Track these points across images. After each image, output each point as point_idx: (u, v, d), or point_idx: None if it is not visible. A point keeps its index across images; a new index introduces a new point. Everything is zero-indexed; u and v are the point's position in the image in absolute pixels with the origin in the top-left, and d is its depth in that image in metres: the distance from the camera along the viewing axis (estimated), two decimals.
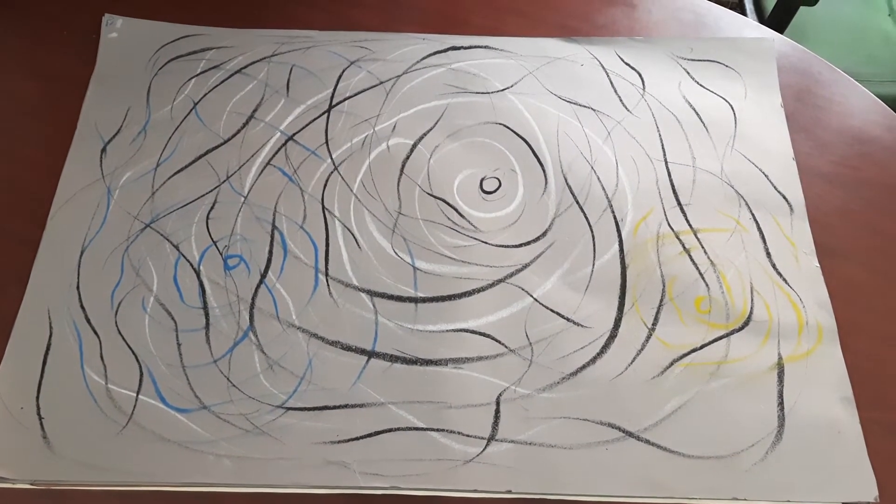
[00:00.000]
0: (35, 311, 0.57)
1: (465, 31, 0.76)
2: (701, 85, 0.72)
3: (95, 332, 0.56)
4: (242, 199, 0.63)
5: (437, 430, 0.54)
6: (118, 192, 0.63)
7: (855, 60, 1.13)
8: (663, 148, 0.68)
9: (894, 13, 1.20)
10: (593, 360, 0.57)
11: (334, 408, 0.54)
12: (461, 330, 0.58)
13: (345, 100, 0.70)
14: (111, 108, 0.68)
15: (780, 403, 0.55)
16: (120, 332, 0.56)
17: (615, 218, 0.64)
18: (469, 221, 0.63)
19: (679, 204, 0.65)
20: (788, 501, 0.52)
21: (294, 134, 0.67)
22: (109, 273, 0.59)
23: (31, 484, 0.51)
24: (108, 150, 0.65)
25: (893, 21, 1.19)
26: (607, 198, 0.65)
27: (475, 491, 0.52)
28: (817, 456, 0.53)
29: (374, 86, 0.71)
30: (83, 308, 0.57)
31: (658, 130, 0.69)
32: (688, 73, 0.73)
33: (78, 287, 0.58)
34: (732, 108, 0.71)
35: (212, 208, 0.63)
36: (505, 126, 0.69)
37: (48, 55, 0.72)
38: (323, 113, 0.69)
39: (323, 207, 0.63)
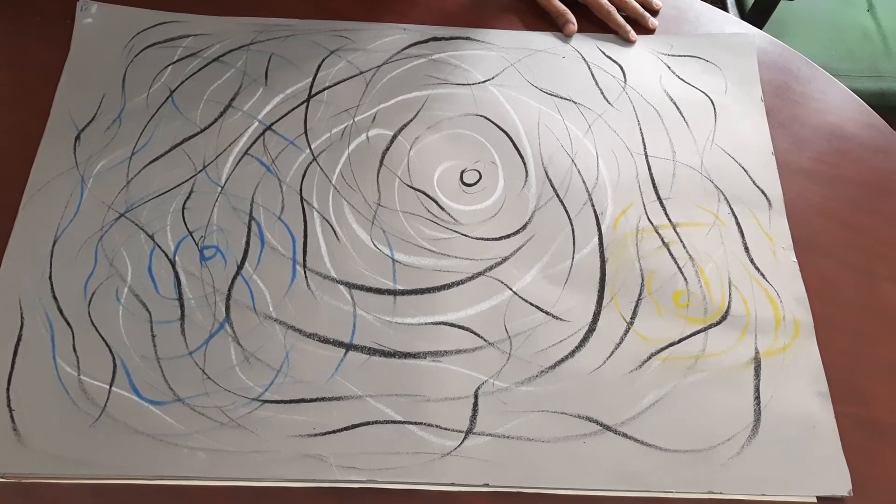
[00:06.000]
0: (6, 302, 0.56)
1: (446, 21, 0.75)
2: (682, 79, 0.73)
3: (68, 323, 0.55)
4: (219, 189, 0.63)
5: (415, 423, 0.53)
6: (92, 180, 0.62)
7: (833, 55, 1.14)
8: (644, 141, 0.68)
9: (873, 8, 1.21)
10: (572, 353, 0.57)
11: (311, 401, 0.54)
12: (440, 323, 0.57)
13: (324, 89, 0.69)
14: (85, 95, 0.67)
15: (757, 398, 0.56)
16: (93, 323, 0.56)
17: (595, 211, 0.64)
18: (449, 214, 0.63)
19: (659, 198, 0.65)
20: (763, 495, 0.52)
21: (272, 123, 0.67)
22: (83, 263, 0.58)
23: (1, 477, 0.50)
24: (82, 138, 0.64)
25: (872, 16, 1.20)
26: (587, 191, 0.65)
27: (452, 484, 0.52)
28: (792, 450, 0.54)
29: (354, 76, 0.70)
30: (55, 298, 0.56)
31: (639, 124, 0.69)
32: (668, 67, 0.73)
33: (50, 277, 0.57)
34: (713, 103, 0.71)
35: (188, 198, 0.62)
36: (486, 118, 0.69)
37: (20, 40, 0.71)
38: (302, 102, 0.68)
39: (301, 198, 0.63)
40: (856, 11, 1.21)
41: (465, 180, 0.65)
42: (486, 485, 0.52)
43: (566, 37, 0.75)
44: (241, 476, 0.51)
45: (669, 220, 0.64)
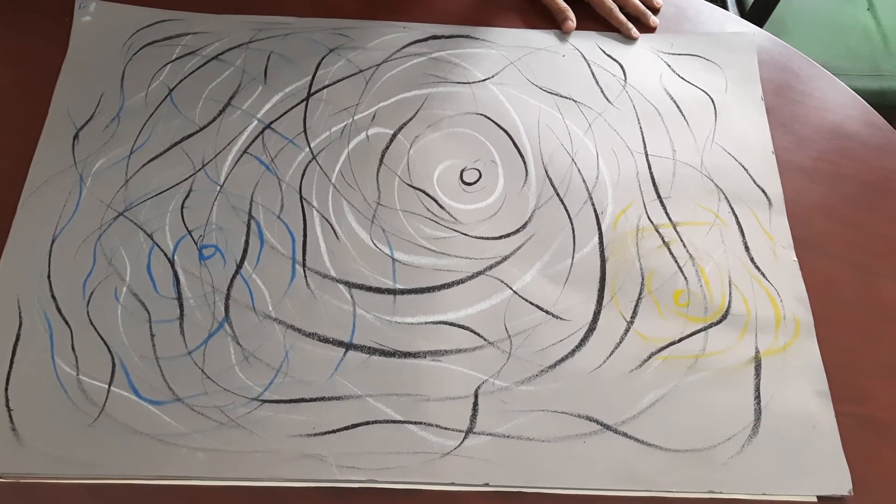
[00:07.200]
0: (4, 301, 0.56)
1: (446, 19, 0.75)
2: (682, 78, 0.72)
3: (66, 323, 0.55)
4: (218, 187, 0.62)
5: (415, 422, 0.53)
6: (91, 179, 0.62)
7: (833, 54, 1.14)
8: (644, 140, 0.68)
9: (873, 7, 1.20)
10: (572, 352, 0.57)
11: (311, 400, 0.54)
12: (440, 322, 0.57)
13: (323, 88, 0.69)
14: (84, 93, 0.66)
15: (757, 397, 0.56)
16: (92, 323, 0.55)
17: (595, 210, 0.64)
18: (449, 213, 0.63)
19: (659, 197, 0.65)
20: (764, 494, 0.52)
21: (272, 122, 0.66)
22: (81, 262, 0.58)
23: (0, 477, 0.50)
24: (81, 137, 0.64)
25: (872, 15, 1.20)
26: (588, 190, 0.65)
27: (452, 484, 0.51)
28: (793, 449, 0.54)
29: (354, 74, 0.70)
30: (54, 298, 0.56)
31: (639, 122, 0.69)
32: (669, 66, 0.73)
33: (49, 276, 0.57)
34: (713, 101, 0.71)
35: (187, 197, 0.62)
36: (486, 117, 0.68)
37: (19, 38, 0.70)
38: (301, 101, 0.68)
39: (301, 197, 0.63)
40: (856, 10, 1.21)
41: (465, 179, 0.65)
42: (487, 484, 0.52)
43: (565, 34, 0.75)
44: (240, 476, 0.51)
45: (669, 219, 0.64)
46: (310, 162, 0.64)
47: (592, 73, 0.72)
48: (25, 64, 0.69)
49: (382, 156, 0.65)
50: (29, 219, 0.60)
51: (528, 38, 0.74)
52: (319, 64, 0.70)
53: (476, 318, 0.58)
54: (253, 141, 0.65)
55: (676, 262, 0.61)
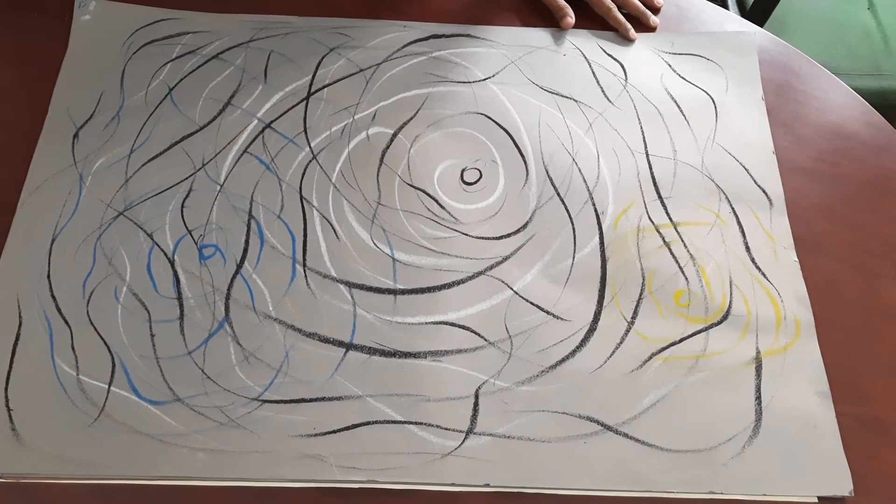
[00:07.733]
0: (4, 301, 0.56)
1: (446, 18, 0.75)
2: (683, 77, 0.72)
3: (66, 322, 0.55)
4: (218, 187, 0.62)
5: (416, 423, 0.53)
6: (90, 178, 0.62)
7: (834, 54, 1.14)
8: (645, 140, 0.68)
9: (874, 6, 1.20)
10: (572, 353, 0.57)
11: (311, 400, 0.54)
12: (440, 322, 0.57)
13: (324, 87, 0.69)
14: (84, 92, 0.66)
15: (758, 397, 0.55)
16: (92, 323, 0.55)
17: (596, 211, 0.64)
18: (449, 213, 0.63)
19: (660, 197, 0.65)
20: (765, 495, 0.52)
21: (272, 121, 0.66)
22: (81, 262, 0.58)
23: (0, 477, 0.50)
24: (81, 136, 0.64)
25: (872, 14, 1.20)
26: (588, 190, 0.65)
27: (453, 484, 0.51)
28: (794, 450, 0.54)
29: (354, 73, 0.70)
30: (54, 297, 0.56)
31: (640, 122, 0.69)
32: (669, 65, 0.73)
33: (48, 276, 0.57)
34: (714, 101, 0.71)
35: (187, 196, 0.62)
36: (486, 116, 0.68)
37: (19, 37, 0.70)
38: (301, 100, 0.68)
39: (301, 197, 0.62)
40: (856, 9, 1.20)
41: (466, 179, 0.65)
42: (487, 485, 0.51)
43: (563, 30, 0.75)
44: (240, 476, 0.51)
45: (670, 219, 0.63)
46: (310, 161, 0.64)
47: (593, 73, 0.72)
48: (25, 63, 0.68)
49: (383, 155, 0.65)
50: (29, 218, 0.60)
51: (528, 36, 0.74)
52: (320, 63, 0.70)
53: (476, 319, 0.58)
54: (253, 140, 0.65)
55: (677, 262, 0.61)
